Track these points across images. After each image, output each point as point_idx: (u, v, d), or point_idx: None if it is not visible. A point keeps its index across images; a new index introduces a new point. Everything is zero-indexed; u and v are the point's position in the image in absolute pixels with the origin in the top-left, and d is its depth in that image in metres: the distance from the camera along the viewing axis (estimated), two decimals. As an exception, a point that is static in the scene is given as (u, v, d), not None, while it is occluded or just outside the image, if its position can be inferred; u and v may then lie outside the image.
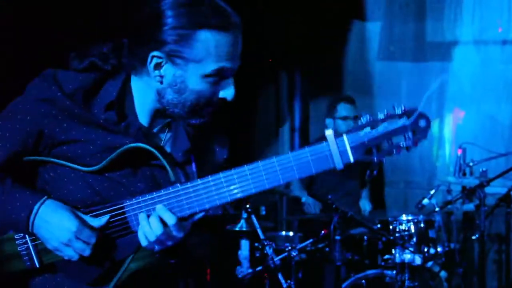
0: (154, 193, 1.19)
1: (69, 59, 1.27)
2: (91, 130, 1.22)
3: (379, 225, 3.15)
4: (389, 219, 3.04)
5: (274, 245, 3.11)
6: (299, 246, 3.06)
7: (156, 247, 1.18)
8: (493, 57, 3.80)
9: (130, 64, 1.25)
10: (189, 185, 1.17)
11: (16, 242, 1.22)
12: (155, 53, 1.19)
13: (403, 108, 1.10)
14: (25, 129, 1.20)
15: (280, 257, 3.02)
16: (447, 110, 3.93)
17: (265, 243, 3.07)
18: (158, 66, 1.21)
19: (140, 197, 1.20)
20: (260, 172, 1.14)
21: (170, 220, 1.15)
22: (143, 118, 1.28)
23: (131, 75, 1.27)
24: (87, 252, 1.17)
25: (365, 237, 3.12)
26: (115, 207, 1.20)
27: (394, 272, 2.91)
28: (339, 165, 1.11)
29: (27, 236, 1.22)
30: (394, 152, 1.11)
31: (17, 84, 1.31)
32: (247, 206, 3.11)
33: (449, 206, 3.17)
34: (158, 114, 1.28)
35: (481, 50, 3.85)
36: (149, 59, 1.20)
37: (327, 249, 3.11)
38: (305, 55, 4.17)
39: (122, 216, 1.20)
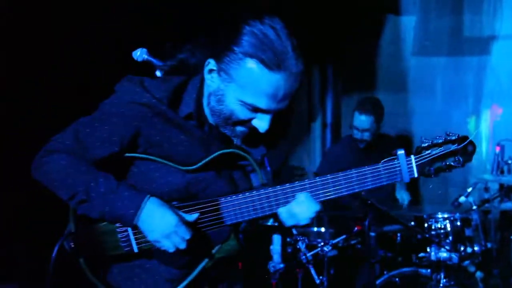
0: (247, 193, 1.34)
1: (165, 49, 1.41)
2: (181, 132, 1.35)
3: (413, 223, 3.12)
4: (425, 216, 3.00)
5: (306, 240, 3.12)
6: (332, 242, 3.08)
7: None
8: None
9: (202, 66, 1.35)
10: (287, 185, 1.34)
11: (117, 229, 1.36)
12: (212, 61, 1.30)
13: (456, 135, 1.34)
14: (121, 131, 1.32)
15: (312, 252, 3.03)
16: (484, 107, 3.87)
17: (298, 238, 3.08)
18: (210, 72, 1.32)
19: (234, 196, 1.35)
20: (340, 181, 1.34)
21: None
22: (210, 119, 1.38)
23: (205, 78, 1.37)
24: (182, 245, 1.30)
25: (399, 234, 3.10)
26: (211, 203, 1.35)
27: (429, 270, 2.90)
28: (406, 179, 1.33)
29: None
30: (446, 171, 1.35)
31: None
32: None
33: (486, 205, 3.08)
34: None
35: None
36: (206, 62, 1.32)
37: (359, 245, 3.10)
38: (338, 49, 4.13)
39: (217, 212, 1.34)
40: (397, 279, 2.96)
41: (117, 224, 1.35)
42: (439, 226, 2.94)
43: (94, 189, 1.29)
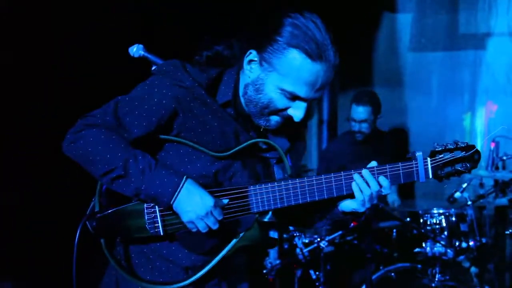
0: (276, 183, 1.38)
1: (202, 42, 1.45)
2: (216, 118, 1.38)
3: (409, 219, 3.14)
4: (420, 212, 3.04)
5: (303, 237, 3.13)
6: (328, 238, 3.09)
7: (367, 204, 1.40)
8: None
9: (240, 59, 1.41)
10: (305, 179, 1.38)
11: (145, 211, 1.37)
12: (253, 52, 1.36)
13: (465, 143, 1.43)
14: (161, 112, 1.34)
15: (308, 248, 3.05)
16: (479, 103, 3.90)
17: (294, 234, 3.09)
18: (250, 62, 1.38)
19: (263, 185, 1.38)
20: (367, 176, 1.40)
21: (384, 182, 1.38)
22: (245, 109, 1.43)
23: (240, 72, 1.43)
24: (216, 226, 1.33)
25: (394, 230, 3.14)
26: (240, 189, 1.38)
27: (425, 266, 2.94)
28: (422, 179, 1.40)
29: (156, 207, 1.36)
30: (455, 175, 1.43)
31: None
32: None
33: (481, 200, 3.11)
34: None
35: None
36: (247, 53, 1.37)
37: (355, 241, 3.12)
38: (335, 46, 4.15)
39: (245, 200, 1.38)
40: (393, 274, 2.99)
41: (146, 206, 1.36)
42: (434, 221, 2.98)
43: (132, 165, 1.29)
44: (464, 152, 1.41)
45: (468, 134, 3.92)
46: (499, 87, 3.82)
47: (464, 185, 3.11)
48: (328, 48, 1.31)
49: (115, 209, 1.37)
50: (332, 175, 1.38)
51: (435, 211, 2.99)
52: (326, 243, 3.05)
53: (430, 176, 1.41)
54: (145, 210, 1.36)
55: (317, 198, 1.38)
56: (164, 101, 1.34)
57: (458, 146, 1.42)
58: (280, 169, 1.46)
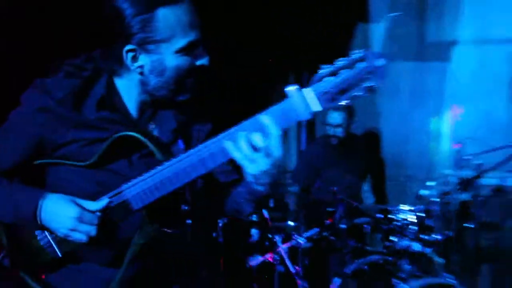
0: (147, 174, 1.26)
1: (49, 70, 1.32)
2: (83, 130, 1.28)
3: (380, 215, 3.23)
4: (390, 208, 3.14)
5: (282, 234, 3.28)
6: (306, 234, 3.21)
7: (263, 178, 1.19)
8: (491, 56, 3.82)
9: (108, 68, 1.30)
10: (172, 161, 1.24)
11: (38, 238, 1.32)
12: (128, 47, 1.24)
13: (361, 52, 1.12)
14: (26, 140, 1.29)
15: (288, 245, 3.19)
16: (445, 108, 3.95)
17: (274, 233, 3.24)
18: (134, 59, 1.26)
19: (135, 180, 1.27)
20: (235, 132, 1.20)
21: (258, 139, 1.15)
22: (134, 112, 1.35)
23: (113, 77, 1.32)
24: (93, 232, 1.25)
25: (367, 226, 3.24)
26: (115, 192, 1.28)
27: (395, 258, 2.99)
28: (305, 115, 1.14)
29: (46, 231, 1.31)
30: (360, 93, 1.11)
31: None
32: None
33: (447, 197, 3.21)
34: (146, 105, 1.35)
35: (479, 49, 3.88)
36: (124, 56, 1.25)
37: (331, 237, 3.28)
38: (312, 56, 4.32)
39: (123, 200, 1.28)
40: (365, 266, 3.03)
41: (37, 232, 1.31)
42: (403, 217, 3.02)
43: None
44: (363, 62, 1.10)
45: (436, 136, 4.02)
46: (463, 92, 3.91)
47: (431, 184, 3.21)
48: None
49: (20, 240, 1.33)
50: (200, 146, 1.22)
51: (403, 207, 3.05)
52: (304, 240, 3.16)
53: (320, 108, 1.13)
54: (38, 237, 1.32)
55: (194, 175, 1.23)
56: (27, 129, 1.28)
57: (352, 59, 1.11)
58: (168, 152, 1.31)
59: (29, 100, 1.29)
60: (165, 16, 1.22)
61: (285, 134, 4.62)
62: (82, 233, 1.26)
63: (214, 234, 3.31)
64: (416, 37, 4.11)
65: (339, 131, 3.61)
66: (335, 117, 3.56)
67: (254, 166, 1.18)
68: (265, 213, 3.20)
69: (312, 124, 4.45)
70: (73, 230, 1.25)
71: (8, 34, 2.61)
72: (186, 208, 1.41)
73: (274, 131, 1.15)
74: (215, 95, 1.46)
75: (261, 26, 3.78)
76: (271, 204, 3.56)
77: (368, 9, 4.24)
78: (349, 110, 3.59)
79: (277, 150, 1.17)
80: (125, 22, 1.22)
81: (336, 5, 4.11)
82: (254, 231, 3.30)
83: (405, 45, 4.11)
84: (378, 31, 4.26)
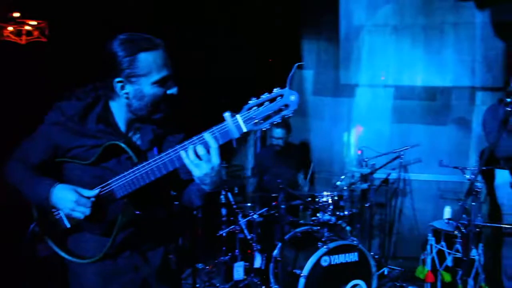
0: (130, 170, 1.26)
1: (64, 96, 1.36)
2: (86, 138, 1.30)
3: (309, 199, 3.34)
4: (316, 194, 3.14)
5: (242, 212, 3.27)
6: (258, 212, 3.22)
7: (207, 179, 1.17)
8: (380, 94, 3.97)
9: (105, 94, 1.32)
10: (145, 163, 1.24)
11: (54, 213, 1.36)
12: (118, 79, 1.26)
13: (278, 90, 1.11)
14: (46, 144, 1.33)
15: (246, 219, 3.18)
16: (352, 126, 4.07)
17: (237, 211, 3.23)
18: (122, 88, 1.27)
19: (120, 175, 1.27)
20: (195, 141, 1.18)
21: (201, 150, 1.14)
22: (122, 127, 1.35)
23: (109, 101, 1.34)
24: (87, 212, 1.26)
25: (301, 207, 3.25)
26: (104, 184, 1.30)
27: (319, 228, 3.04)
28: (236, 135, 1.12)
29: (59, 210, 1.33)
30: (279, 120, 1.12)
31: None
32: (225, 186, 3.27)
33: (353, 186, 3.34)
34: (132, 121, 1.35)
35: (372, 90, 4.00)
36: (115, 85, 1.27)
37: (276, 214, 3.29)
38: (258, 89, 4.32)
39: (110, 190, 1.28)
40: (299, 234, 3.05)
41: (53, 209, 1.34)
42: (324, 200, 3.07)
43: (23, 186, 1.31)
44: (280, 97, 1.08)
45: (346, 145, 4.10)
46: (363, 117, 4.02)
47: (343, 177, 3.38)
48: (151, 38, 1.24)
49: (46, 212, 1.35)
50: (163, 154, 1.20)
51: (325, 193, 3.10)
52: (257, 216, 3.15)
53: (245, 130, 1.10)
54: (54, 212, 1.35)
55: (159, 174, 1.21)
56: (46, 137, 1.32)
57: (272, 95, 1.09)
58: (143, 157, 1.31)
59: (49, 117, 1.34)
60: (145, 58, 1.24)
61: (245, 142, 4.63)
62: (79, 212, 1.27)
63: (194, 212, 3.25)
64: (333, 80, 4.22)
65: (280, 142, 3.67)
66: (278, 132, 3.63)
67: (199, 170, 1.17)
68: (231, 197, 3.18)
69: (264, 137, 4.47)
70: (72, 210, 1.27)
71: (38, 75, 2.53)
72: (174, 193, 1.41)
73: (213, 145, 1.15)
74: (184, 115, 1.42)
75: (202, 69, 3.64)
76: (236, 190, 3.54)
77: (302, 60, 4.34)
78: (287, 128, 3.66)
79: (215, 159, 1.16)
80: (117, 61, 1.24)
81: (277, 55, 4.12)
82: (223, 210, 3.27)
83: (326, 86, 4.20)
84: (309, 75, 4.37)
